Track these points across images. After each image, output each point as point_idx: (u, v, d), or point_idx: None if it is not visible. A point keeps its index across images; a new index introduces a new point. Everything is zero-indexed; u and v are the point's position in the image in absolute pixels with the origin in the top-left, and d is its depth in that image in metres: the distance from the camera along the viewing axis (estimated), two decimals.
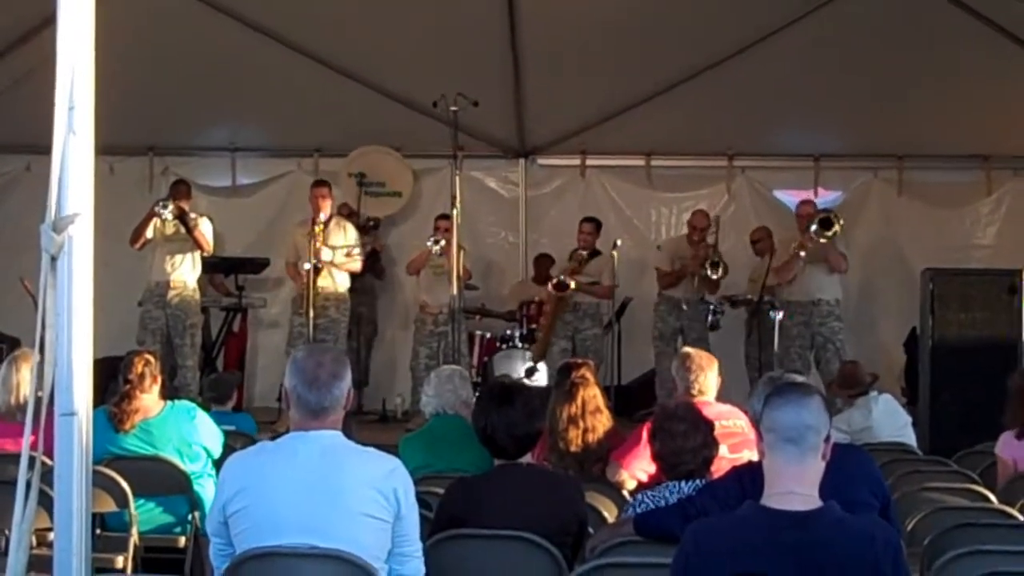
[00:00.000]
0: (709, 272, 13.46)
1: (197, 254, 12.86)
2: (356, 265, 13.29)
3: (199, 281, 13.12)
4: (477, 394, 7.63)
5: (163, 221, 12.68)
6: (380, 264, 14.89)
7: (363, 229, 14.60)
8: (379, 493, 4.72)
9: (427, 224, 14.03)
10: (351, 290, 13.57)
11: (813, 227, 12.61)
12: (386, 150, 15.07)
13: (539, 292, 14.12)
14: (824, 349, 12.92)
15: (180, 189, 12.96)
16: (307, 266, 12.75)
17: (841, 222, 12.75)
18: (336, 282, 13.12)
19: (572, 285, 13.57)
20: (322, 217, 12.92)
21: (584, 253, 13.81)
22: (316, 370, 4.80)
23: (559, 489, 5.74)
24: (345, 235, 13.18)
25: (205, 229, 12.77)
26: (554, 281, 13.71)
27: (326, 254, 12.85)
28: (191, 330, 12.90)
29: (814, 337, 12.99)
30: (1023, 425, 7.93)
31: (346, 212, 14.27)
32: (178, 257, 12.79)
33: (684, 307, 13.72)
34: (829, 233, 12.66)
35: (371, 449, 4.93)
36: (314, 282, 12.79)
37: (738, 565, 4.02)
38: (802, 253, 12.80)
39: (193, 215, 12.76)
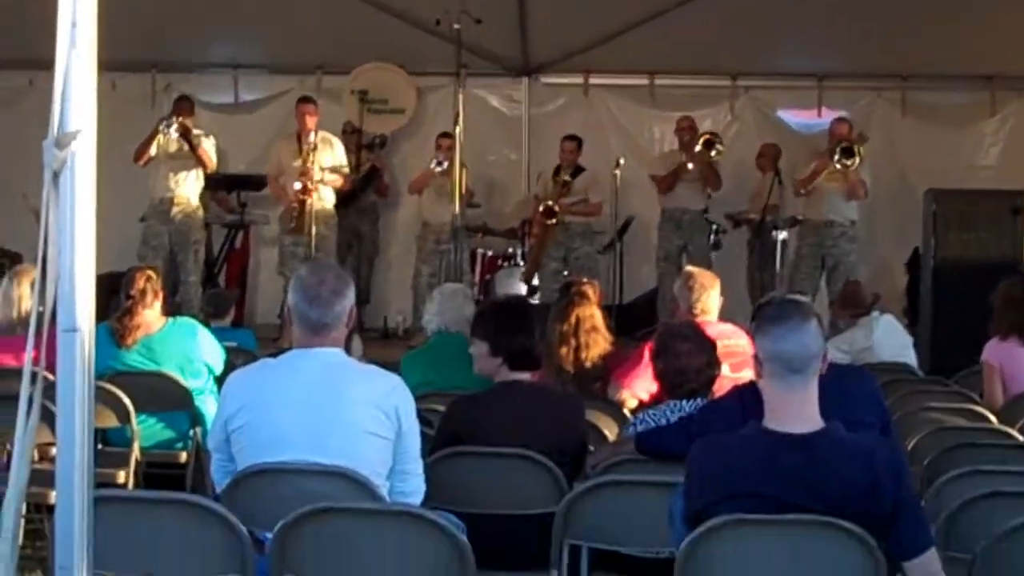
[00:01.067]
0: (707, 151, 13.43)
1: (200, 170, 12.78)
2: (340, 181, 13.15)
3: (202, 197, 13.09)
4: (481, 312, 7.63)
5: (166, 138, 12.63)
6: (384, 181, 14.84)
7: (369, 146, 14.59)
8: (380, 411, 4.73)
9: (429, 142, 14.03)
10: (349, 207, 13.55)
11: (836, 156, 12.52)
12: (389, 67, 14.97)
13: None
14: (834, 270, 12.82)
15: (183, 105, 12.87)
16: (297, 186, 12.64)
17: (862, 152, 12.64)
18: (323, 199, 12.97)
19: (558, 211, 13.57)
20: (311, 138, 12.76)
21: (566, 177, 13.75)
22: (318, 287, 4.80)
23: (560, 407, 5.75)
24: (333, 153, 13.06)
25: (208, 147, 12.70)
26: (542, 208, 13.69)
27: (316, 174, 12.75)
28: (195, 246, 12.86)
29: (824, 258, 12.95)
30: (1007, 329, 8.03)
31: (350, 130, 14.26)
32: (181, 174, 12.71)
33: (686, 219, 13.72)
34: (849, 163, 12.58)
35: (372, 367, 4.96)
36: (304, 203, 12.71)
37: (739, 486, 4.04)
38: (819, 177, 12.74)
39: (197, 131, 12.70)
